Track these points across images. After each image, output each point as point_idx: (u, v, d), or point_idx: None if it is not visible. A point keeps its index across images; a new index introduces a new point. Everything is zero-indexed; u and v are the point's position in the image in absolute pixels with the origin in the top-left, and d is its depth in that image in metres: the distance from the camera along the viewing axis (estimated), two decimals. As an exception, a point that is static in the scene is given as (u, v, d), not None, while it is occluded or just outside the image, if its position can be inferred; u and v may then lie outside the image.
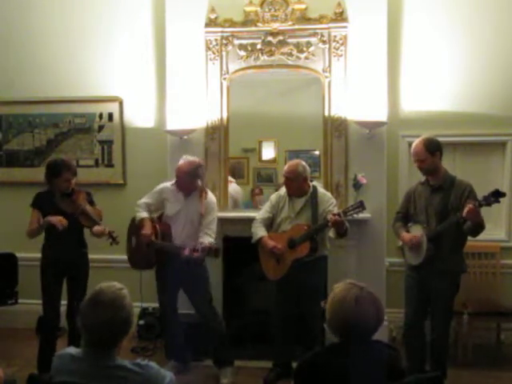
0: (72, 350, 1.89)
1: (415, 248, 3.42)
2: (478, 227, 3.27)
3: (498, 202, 3.14)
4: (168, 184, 3.89)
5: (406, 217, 3.62)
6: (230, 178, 4.68)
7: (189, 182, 3.75)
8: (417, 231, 3.44)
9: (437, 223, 3.36)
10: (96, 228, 3.65)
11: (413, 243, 3.41)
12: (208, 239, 3.62)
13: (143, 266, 3.84)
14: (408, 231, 3.52)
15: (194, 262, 3.52)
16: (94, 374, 1.78)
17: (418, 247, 3.40)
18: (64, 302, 3.73)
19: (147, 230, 3.69)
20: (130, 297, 1.86)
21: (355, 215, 3.55)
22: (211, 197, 3.88)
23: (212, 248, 3.49)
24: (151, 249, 3.71)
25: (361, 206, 3.50)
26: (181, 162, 3.78)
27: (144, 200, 3.89)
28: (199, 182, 3.79)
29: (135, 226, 3.87)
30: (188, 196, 3.80)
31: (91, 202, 3.76)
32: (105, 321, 1.76)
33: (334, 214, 3.47)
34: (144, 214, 3.80)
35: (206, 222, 3.72)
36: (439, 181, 3.43)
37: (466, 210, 3.13)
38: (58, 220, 3.53)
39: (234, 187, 4.76)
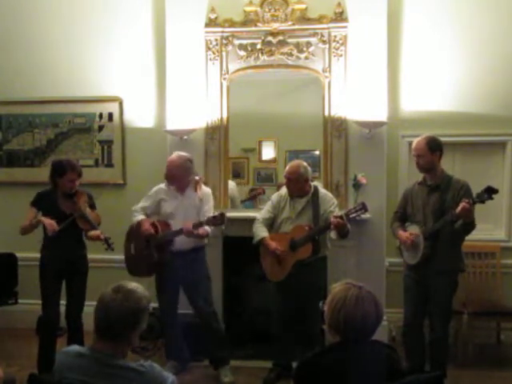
0: (77, 347, 1.91)
1: (412, 247, 3.43)
2: (469, 226, 3.29)
3: (492, 198, 3.16)
4: (162, 185, 3.92)
5: (403, 217, 3.62)
6: None
7: (181, 176, 3.78)
8: (414, 231, 3.44)
9: (434, 223, 3.37)
10: (92, 232, 3.63)
11: (408, 243, 3.42)
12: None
13: (144, 271, 3.80)
14: (405, 231, 3.52)
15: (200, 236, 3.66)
16: (97, 372, 1.79)
17: (415, 246, 3.41)
18: (63, 302, 3.72)
19: (146, 226, 3.73)
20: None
21: (357, 217, 3.55)
22: (205, 188, 3.94)
23: (216, 217, 3.55)
24: (152, 247, 3.72)
25: (363, 208, 3.48)
26: (171, 156, 3.86)
27: (139, 205, 3.92)
28: (191, 177, 3.82)
29: (133, 232, 3.87)
30: (183, 192, 3.83)
31: (91, 206, 3.74)
32: (120, 301, 1.82)
33: (336, 217, 3.45)
34: (141, 217, 3.84)
35: (203, 211, 3.77)
36: (436, 180, 3.44)
37: (459, 207, 3.16)
38: (50, 223, 3.50)
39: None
